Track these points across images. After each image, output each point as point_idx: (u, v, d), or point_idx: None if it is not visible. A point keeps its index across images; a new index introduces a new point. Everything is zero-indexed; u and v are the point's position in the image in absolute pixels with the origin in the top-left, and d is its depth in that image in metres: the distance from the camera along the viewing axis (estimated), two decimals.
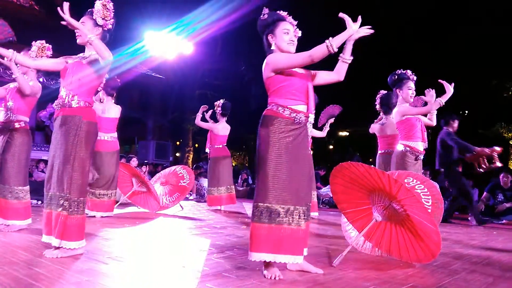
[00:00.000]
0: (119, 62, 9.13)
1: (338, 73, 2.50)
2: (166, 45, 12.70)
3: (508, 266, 2.96)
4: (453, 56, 15.94)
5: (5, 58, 2.99)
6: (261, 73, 2.47)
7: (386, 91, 4.94)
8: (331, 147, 22.53)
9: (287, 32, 2.44)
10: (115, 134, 5.12)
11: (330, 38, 2.21)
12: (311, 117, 2.45)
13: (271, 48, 2.45)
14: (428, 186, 3.11)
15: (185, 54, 13.53)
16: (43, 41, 3.59)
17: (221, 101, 6.71)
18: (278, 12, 2.51)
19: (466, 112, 18.56)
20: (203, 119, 6.70)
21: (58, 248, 2.59)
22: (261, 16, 2.49)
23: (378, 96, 5.03)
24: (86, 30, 2.65)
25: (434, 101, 3.77)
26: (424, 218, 2.57)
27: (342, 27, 2.31)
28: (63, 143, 2.61)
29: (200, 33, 13.69)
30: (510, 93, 15.23)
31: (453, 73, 15.86)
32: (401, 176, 3.18)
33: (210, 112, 6.82)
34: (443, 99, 3.70)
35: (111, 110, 5.06)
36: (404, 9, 15.86)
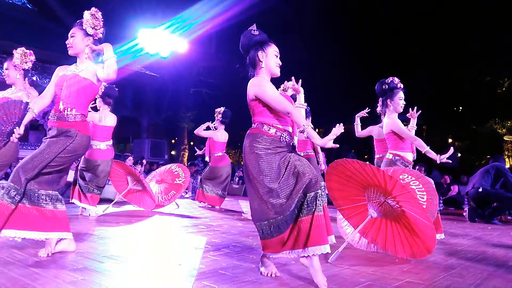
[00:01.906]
0: None
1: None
2: (160, 43, 12.64)
3: (503, 261, 2.99)
4: (447, 53, 16.00)
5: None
6: None
7: None
8: None
9: (277, 55, 2.45)
10: (111, 142, 5.13)
11: (311, 127, 2.19)
12: (295, 139, 2.47)
13: (261, 67, 2.41)
14: (423, 182, 3.13)
15: (179, 52, 13.48)
16: (23, 48, 3.57)
17: (222, 108, 6.73)
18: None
19: (461, 108, 18.66)
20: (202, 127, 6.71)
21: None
22: (252, 31, 2.46)
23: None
24: (110, 52, 2.65)
25: (415, 118, 3.95)
26: (419, 214, 2.58)
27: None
28: (51, 147, 2.61)
29: (194, 31, 13.66)
30: (503, 89, 15.34)
31: (447, 70, 16.03)
32: (396, 172, 3.19)
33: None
34: (435, 156, 3.59)
35: (107, 119, 5.05)
36: (400, 9, 15.90)
